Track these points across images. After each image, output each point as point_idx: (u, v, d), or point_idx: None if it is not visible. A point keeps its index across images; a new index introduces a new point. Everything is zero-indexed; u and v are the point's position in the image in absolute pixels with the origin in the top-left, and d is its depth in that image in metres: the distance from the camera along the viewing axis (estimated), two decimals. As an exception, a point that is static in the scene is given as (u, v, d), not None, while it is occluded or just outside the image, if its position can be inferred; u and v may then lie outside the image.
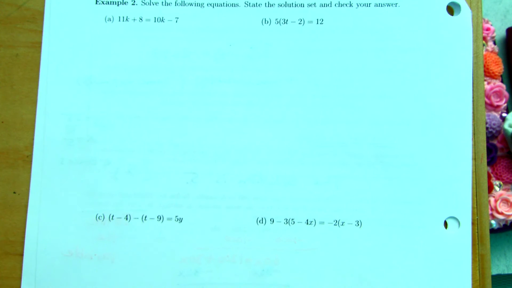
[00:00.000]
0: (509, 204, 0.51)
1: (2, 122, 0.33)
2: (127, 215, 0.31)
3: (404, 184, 0.32)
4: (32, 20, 0.33)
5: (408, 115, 0.32)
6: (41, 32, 0.33)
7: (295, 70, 0.32)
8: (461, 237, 0.31)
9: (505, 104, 0.54)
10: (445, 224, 0.32)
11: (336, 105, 0.32)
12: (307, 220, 0.31)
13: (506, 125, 0.52)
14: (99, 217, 0.31)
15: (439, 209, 0.31)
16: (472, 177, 0.32)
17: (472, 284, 0.32)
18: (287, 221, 0.31)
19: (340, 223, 0.31)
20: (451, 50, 0.32)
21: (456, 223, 0.31)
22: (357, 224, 0.31)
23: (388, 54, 0.32)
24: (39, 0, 0.33)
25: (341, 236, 0.31)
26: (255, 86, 0.32)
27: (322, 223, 0.31)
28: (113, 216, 0.31)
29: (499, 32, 0.58)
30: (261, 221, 0.31)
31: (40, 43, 0.33)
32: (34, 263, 0.31)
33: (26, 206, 0.31)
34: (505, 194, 0.52)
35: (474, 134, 0.32)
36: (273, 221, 0.31)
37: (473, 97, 0.33)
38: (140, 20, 0.33)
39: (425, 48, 0.32)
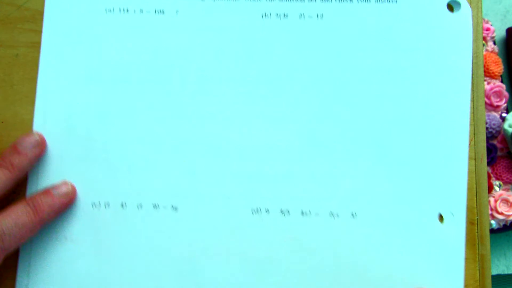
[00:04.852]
0: (509, 204, 0.51)
1: (2, 122, 0.33)
2: (122, 203, 0.32)
3: (399, 177, 0.32)
4: (32, 20, 0.33)
5: (406, 110, 0.32)
6: (41, 32, 0.33)
7: (294, 64, 0.32)
8: (455, 230, 0.31)
9: (505, 104, 0.54)
10: (440, 217, 0.32)
11: (334, 99, 0.32)
12: (302, 211, 0.31)
13: (506, 125, 0.52)
14: (94, 205, 0.32)
15: (434, 202, 0.32)
16: (472, 177, 0.32)
17: (472, 284, 0.32)
18: (282, 212, 0.31)
19: (335, 215, 0.31)
20: (451, 47, 0.32)
21: (451, 217, 0.32)
22: (352, 216, 0.31)
23: (387, 50, 0.32)
24: (39, 0, 0.33)
25: (336, 227, 0.31)
26: (254, 80, 0.32)
27: (317, 214, 0.31)
28: (108, 203, 0.32)
29: (499, 32, 0.58)
30: (256, 211, 0.31)
31: (40, 43, 0.33)
32: (29, 248, 0.31)
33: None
34: (505, 194, 0.52)
35: (474, 134, 0.32)
36: (268, 211, 0.31)
37: (473, 97, 0.33)
38: (141, 12, 0.33)
39: (425, 44, 0.32)
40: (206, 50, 0.32)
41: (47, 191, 0.30)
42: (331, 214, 0.31)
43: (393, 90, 0.32)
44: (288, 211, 0.31)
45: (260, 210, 0.31)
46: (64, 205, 0.31)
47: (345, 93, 0.32)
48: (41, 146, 0.31)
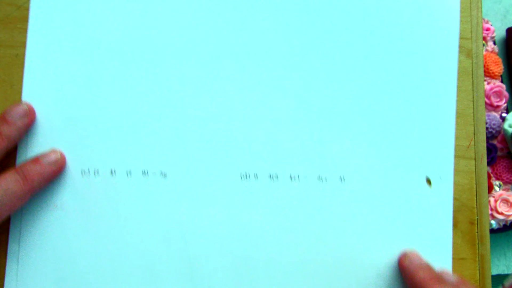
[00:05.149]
0: (509, 204, 0.51)
1: (2, 122, 0.33)
2: (112, 170, 0.32)
3: (387, 142, 0.32)
4: (32, 20, 0.33)
5: (393, 74, 0.32)
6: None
7: (282, 30, 0.32)
8: (443, 194, 0.32)
9: (505, 104, 0.54)
10: (428, 181, 0.32)
11: (322, 64, 0.32)
12: (291, 175, 0.32)
13: (506, 125, 0.52)
14: (84, 172, 0.32)
15: (421, 166, 0.32)
16: (472, 177, 0.32)
17: (472, 284, 0.32)
18: (271, 176, 0.32)
19: (324, 179, 0.32)
20: (438, 15, 0.33)
21: (438, 180, 0.32)
22: (340, 180, 0.32)
23: (376, 18, 0.32)
24: (39, 0, 0.33)
25: (324, 191, 0.32)
26: (242, 45, 0.32)
27: (305, 178, 0.32)
28: (98, 171, 0.32)
29: (499, 32, 0.58)
30: (245, 176, 0.32)
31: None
32: (20, 215, 0.31)
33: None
34: (505, 194, 0.52)
35: (474, 134, 0.33)
36: (257, 176, 0.32)
37: (473, 97, 0.33)
38: None
39: (413, 13, 0.33)
40: (194, 16, 0.32)
41: (36, 159, 0.30)
42: (320, 178, 0.32)
43: (380, 55, 0.32)
44: (277, 176, 0.32)
45: (249, 175, 0.32)
46: (53, 173, 0.30)
47: (333, 58, 0.32)
48: (30, 116, 0.31)
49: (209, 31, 0.32)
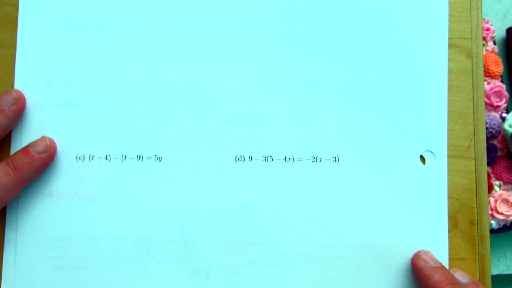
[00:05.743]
0: (509, 204, 0.51)
1: (2, 122, 0.32)
2: (107, 155, 0.32)
3: (380, 120, 0.32)
4: (32, 20, 0.33)
5: (384, 52, 0.32)
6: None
7: (272, 9, 0.32)
8: (438, 171, 0.32)
9: (505, 104, 0.54)
10: (422, 158, 0.32)
11: (313, 43, 0.32)
12: (285, 157, 0.32)
13: (506, 125, 0.52)
14: (79, 158, 0.32)
15: (415, 144, 0.32)
16: (472, 177, 0.32)
17: (472, 284, 0.32)
18: (266, 158, 0.32)
19: (318, 159, 0.32)
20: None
21: (432, 157, 0.32)
22: (334, 160, 0.32)
23: (366, 7, 0.32)
24: (39, 0, 0.33)
25: (319, 172, 0.32)
26: (234, 26, 0.32)
27: (300, 159, 0.32)
28: (93, 156, 0.32)
29: (499, 32, 0.58)
30: (240, 158, 0.32)
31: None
32: (16, 203, 0.31)
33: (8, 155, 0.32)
34: (505, 194, 0.52)
35: (474, 134, 0.33)
36: (251, 158, 0.32)
37: (473, 97, 0.33)
38: None
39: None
40: (188, 5, 0.32)
41: (25, 150, 0.30)
42: (314, 158, 0.32)
43: (371, 31, 0.32)
44: (271, 157, 0.32)
45: (244, 157, 0.32)
46: (44, 162, 0.30)
47: (325, 36, 0.32)
48: (19, 103, 0.31)
49: (204, 13, 0.32)
